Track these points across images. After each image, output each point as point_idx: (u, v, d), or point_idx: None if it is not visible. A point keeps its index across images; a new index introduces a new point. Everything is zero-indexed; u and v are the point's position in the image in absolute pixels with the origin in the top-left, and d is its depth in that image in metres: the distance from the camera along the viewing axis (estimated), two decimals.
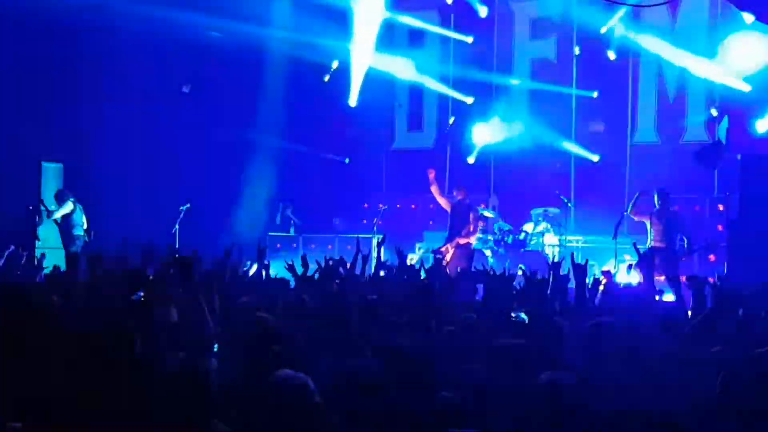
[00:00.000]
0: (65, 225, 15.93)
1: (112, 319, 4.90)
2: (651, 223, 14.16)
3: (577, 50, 19.02)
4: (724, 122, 13.75)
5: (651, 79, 18.85)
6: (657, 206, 14.27)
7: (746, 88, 17.12)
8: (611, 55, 18.48)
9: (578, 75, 19.16)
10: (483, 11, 19.78)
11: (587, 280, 6.82)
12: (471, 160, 19.62)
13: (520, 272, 5.66)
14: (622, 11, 17.75)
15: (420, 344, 4.69)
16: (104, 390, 3.90)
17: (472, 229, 15.62)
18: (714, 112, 16.24)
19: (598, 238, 17.24)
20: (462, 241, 15.54)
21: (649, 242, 14.15)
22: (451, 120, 20.16)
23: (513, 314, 5.73)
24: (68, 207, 15.91)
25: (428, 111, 21.09)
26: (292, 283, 8.44)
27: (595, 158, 18.81)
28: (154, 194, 17.60)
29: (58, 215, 15.88)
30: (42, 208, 16.02)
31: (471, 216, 15.68)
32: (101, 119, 18.35)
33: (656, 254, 13.78)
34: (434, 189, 16.34)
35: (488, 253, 16.74)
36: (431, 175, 16.34)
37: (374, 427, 3.81)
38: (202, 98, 18.91)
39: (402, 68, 19.90)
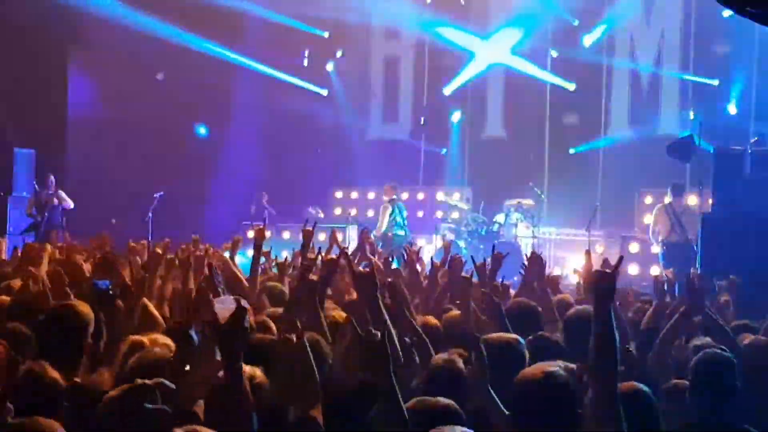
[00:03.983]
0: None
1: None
2: (660, 218, 14.06)
3: (554, 53, 19.12)
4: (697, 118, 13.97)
5: (625, 73, 19.03)
6: (670, 200, 14.17)
7: (714, 82, 17.55)
8: (587, 41, 18.70)
9: (553, 67, 19.28)
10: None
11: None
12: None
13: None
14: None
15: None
16: None
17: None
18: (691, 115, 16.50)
19: (570, 231, 17.36)
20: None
21: (662, 237, 14.02)
22: (422, 120, 20.24)
23: None
24: None
25: (404, 102, 21.10)
26: None
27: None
28: (128, 181, 17.47)
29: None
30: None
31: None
32: (74, 105, 18.21)
33: (670, 248, 13.80)
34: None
35: (462, 244, 16.78)
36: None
37: None
38: (178, 86, 18.78)
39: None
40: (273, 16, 19.34)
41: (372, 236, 15.51)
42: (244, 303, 3.31)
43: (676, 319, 5.69)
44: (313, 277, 5.12)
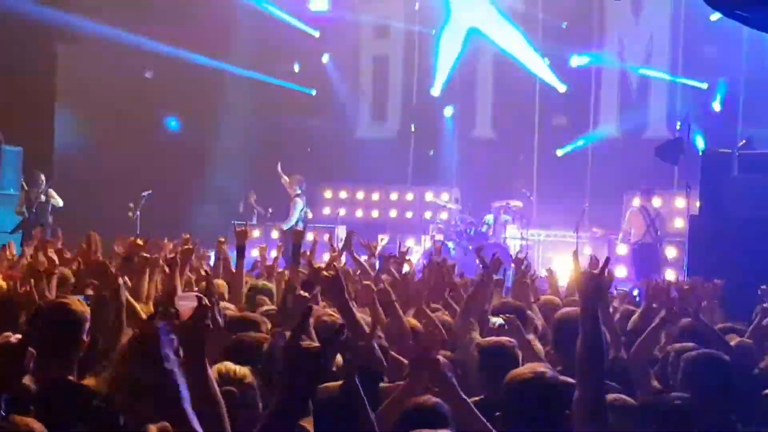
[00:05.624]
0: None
1: None
2: (635, 220, 14.29)
3: (546, 61, 19.13)
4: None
5: (613, 75, 19.07)
6: (641, 203, 14.39)
7: (703, 86, 17.62)
8: (574, 62, 18.79)
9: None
10: None
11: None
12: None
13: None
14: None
15: None
16: None
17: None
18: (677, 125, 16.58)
19: (559, 232, 17.39)
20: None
21: (635, 237, 14.34)
22: (413, 128, 20.24)
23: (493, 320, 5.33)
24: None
25: (393, 101, 21.09)
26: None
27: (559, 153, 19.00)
28: (116, 179, 17.41)
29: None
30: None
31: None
32: (62, 103, 18.14)
33: (640, 248, 14.08)
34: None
35: (451, 245, 16.78)
36: None
37: None
38: (167, 83, 18.71)
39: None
40: (264, 7, 19.33)
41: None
42: (205, 300, 3.21)
43: (657, 322, 5.71)
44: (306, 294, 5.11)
